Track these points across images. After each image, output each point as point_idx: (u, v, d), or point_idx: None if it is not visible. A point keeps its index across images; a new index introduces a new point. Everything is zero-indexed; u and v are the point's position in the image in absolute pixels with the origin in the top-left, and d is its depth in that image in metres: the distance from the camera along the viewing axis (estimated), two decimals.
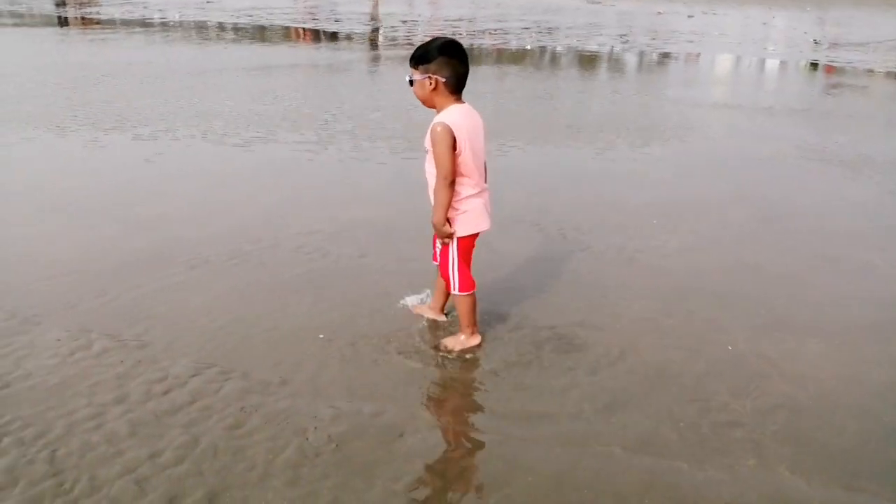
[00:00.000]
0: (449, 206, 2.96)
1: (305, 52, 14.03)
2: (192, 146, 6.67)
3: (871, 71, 13.20)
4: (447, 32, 17.65)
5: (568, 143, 7.20)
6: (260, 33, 17.08)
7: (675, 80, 12.15)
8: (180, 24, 18.24)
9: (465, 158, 2.92)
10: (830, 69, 13.21)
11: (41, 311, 3.44)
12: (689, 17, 24.11)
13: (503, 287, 3.85)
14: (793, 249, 4.55)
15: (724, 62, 14.57)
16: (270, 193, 5.35)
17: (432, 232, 3.11)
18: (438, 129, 2.86)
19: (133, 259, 4.08)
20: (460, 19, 21.42)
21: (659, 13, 25.15)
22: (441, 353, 3.18)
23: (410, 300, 3.60)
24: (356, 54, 14.10)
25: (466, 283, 3.17)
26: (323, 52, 14.00)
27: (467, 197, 3.01)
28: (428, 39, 3.01)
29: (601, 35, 18.14)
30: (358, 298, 3.66)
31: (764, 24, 22.81)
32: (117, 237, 4.42)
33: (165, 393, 2.81)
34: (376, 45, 15.80)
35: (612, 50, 15.44)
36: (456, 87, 2.94)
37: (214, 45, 14.38)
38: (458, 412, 2.86)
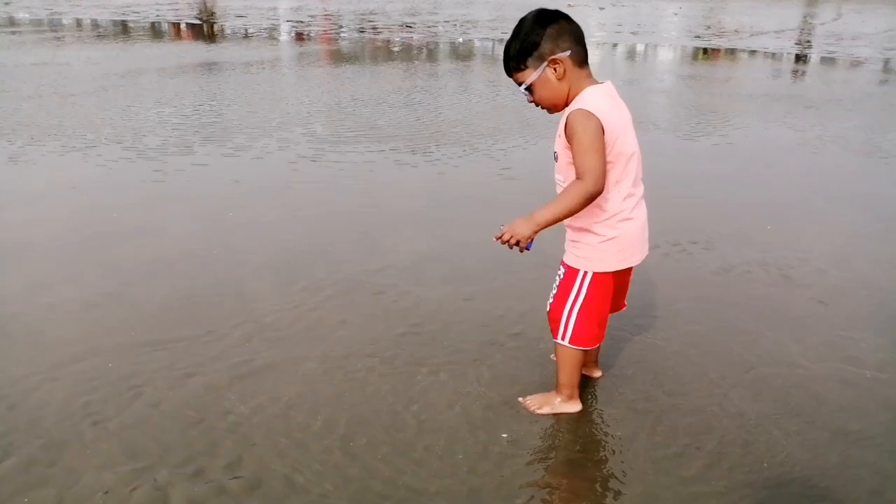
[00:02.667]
0: (568, 216, 2.03)
1: (192, 49, 12.48)
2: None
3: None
4: (352, 27, 16.46)
5: None
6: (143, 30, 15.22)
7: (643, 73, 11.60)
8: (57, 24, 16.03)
9: (618, 156, 2.02)
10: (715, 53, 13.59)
11: (58, 437, 2.13)
12: (601, 8, 24.03)
13: (676, 321, 2.89)
14: None
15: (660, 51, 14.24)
16: (302, 215, 4.13)
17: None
18: (579, 115, 1.95)
19: (154, 333, 2.80)
20: (373, 13, 20.22)
21: (570, 6, 24.94)
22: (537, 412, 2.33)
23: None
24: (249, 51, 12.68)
25: (584, 335, 2.22)
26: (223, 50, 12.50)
27: (620, 215, 2.09)
28: (509, 34, 2.09)
29: None
30: (507, 367, 2.59)
31: (675, 14, 23.03)
32: (111, 300, 3.11)
33: None
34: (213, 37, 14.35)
35: None
36: (584, 56, 2.06)
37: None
38: None
